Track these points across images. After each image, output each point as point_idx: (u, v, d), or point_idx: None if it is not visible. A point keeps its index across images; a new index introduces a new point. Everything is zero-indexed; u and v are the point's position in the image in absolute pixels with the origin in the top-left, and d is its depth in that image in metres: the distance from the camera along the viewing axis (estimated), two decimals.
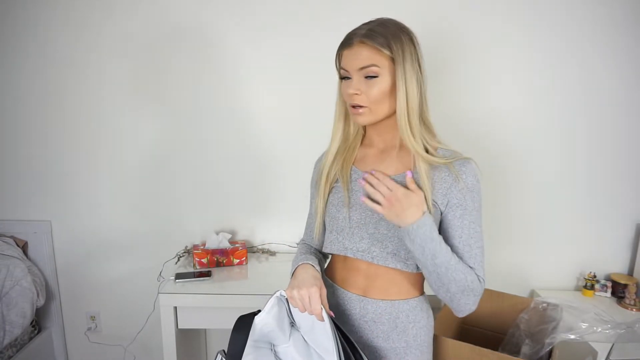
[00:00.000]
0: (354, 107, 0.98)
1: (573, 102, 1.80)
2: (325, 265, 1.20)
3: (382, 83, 0.95)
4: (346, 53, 0.96)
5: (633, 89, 1.77)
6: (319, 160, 1.17)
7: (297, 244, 1.97)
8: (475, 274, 0.96)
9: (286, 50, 1.84)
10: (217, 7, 1.82)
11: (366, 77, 0.95)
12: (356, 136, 1.09)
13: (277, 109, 1.90)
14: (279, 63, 1.85)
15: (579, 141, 1.83)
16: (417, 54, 0.97)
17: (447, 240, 0.98)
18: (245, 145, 1.95)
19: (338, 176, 1.07)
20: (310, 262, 1.05)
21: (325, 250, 1.09)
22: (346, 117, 1.07)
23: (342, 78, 1.00)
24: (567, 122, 1.82)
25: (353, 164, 1.08)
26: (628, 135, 1.81)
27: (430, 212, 0.95)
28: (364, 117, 0.98)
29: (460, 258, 0.97)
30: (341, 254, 1.05)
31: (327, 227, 1.10)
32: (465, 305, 0.96)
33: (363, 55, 0.94)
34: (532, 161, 1.86)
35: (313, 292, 0.94)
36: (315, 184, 1.13)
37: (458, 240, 0.97)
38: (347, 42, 0.96)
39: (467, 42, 1.78)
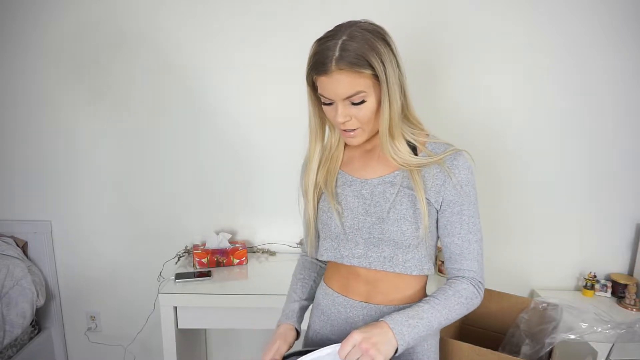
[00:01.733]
0: (345, 130, 0.94)
1: (573, 102, 1.80)
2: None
3: (370, 103, 0.90)
4: (324, 80, 0.88)
5: (633, 88, 1.77)
6: (304, 166, 1.12)
7: (297, 243, 1.98)
8: (471, 283, 0.96)
9: (284, 48, 1.84)
10: (213, 7, 1.82)
11: (353, 103, 0.90)
12: (338, 144, 1.05)
13: (277, 109, 1.90)
14: (277, 62, 1.85)
15: (579, 141, 1.83)
16: (394, 54, 0.90)
17: (445, 237, 0.98)
18: (246, 145, 1.94)
19: (322, 186, 1.03)
20: (291, 322, 1.06)
21: (322, 258, 1.05)
22: (323, 130, 1.04)
23: (322, 103, 0.95)
24: (567, 122, 1.82)
25: (340, 167, 1.04)
26: (628, 134, 1.81)
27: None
28: (358, 138, 0.96)
29: (459, 255, 0.97)
30: (338, 261, 1.02)
31: (320, 234, 1.06)
32: (472, 311, 0.98)
33: (345, 83, 0.86)
34: (532, 161, 1.86)
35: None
36: (304, 193, 1.09)
37: (457, 237, 0.96)
38: (322, 68, 0.87)
39: (465, 41, 1.78)
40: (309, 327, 1.14)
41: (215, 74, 1.89)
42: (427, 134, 1.00)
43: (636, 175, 1.84)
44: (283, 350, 0.99)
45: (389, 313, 0.97)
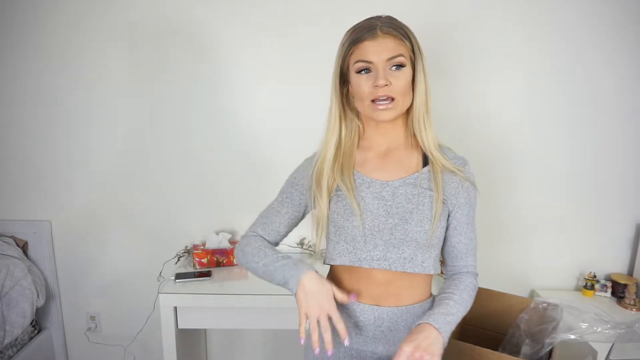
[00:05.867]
0: (379, 101, 0.93)
1: (573, 102, 1.80)
2: (326, 275, 1.13)
3: (407, 74, 0.94)
4: (369, 44, 0.92)
5: (633, 89, 1.77)
6: (309, 162, 1.08)
7: (297, 243, 1.98)
8: (472, 277, 1.04)
9: (285, 49, 1.84)
10: (212, 4, 1.82)
11: (392, 68, 0.93)
12: (352, 140, 1.04)
13: (277, 109, 1.90)
14: (277, 62, 1.85)
15: (580, 141, 1.83)
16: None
17: (454, 236, 1.02)
18: (245, 145, 1.94)
19: (340, 184, 1.00)
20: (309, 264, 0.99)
21: (334, 262, 1.01)
22: (342, 119, 1.02)
23: (357, 71, 0.94)
24: (567, 122, 1.82)
25: (354, 168, 1.02)
26: (628, 135, 1.81)
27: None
28: (391, 112, 0.94)
29: (465, 253, 1.03)
30: (355, 264, 0.98)
31: (332, 237, 1.02)
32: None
33: (390, 45, 0.92)
34: (532, 161, 1.86)
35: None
36: (310, 190, 1.05)
37: (464, 236, 1.03)
38: (368, 33, 0.93)
39: (465, 41, 1.78)
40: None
41: (216, 74, 1.88)
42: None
43: (636, 175, 1.84)
44: (339, 295, 0.95)
45: (400, 315, 1.00)
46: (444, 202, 0.98)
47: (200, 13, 1.83)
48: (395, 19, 0.96)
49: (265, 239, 1.08)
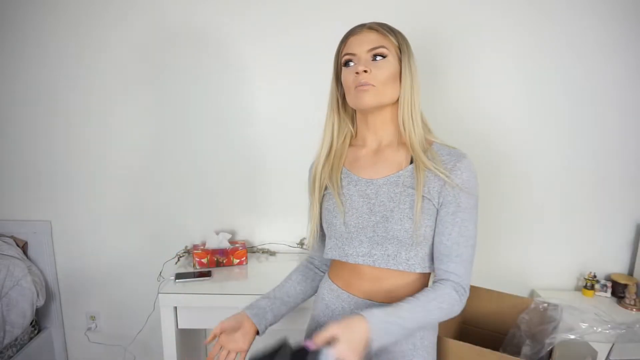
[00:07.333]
0: (360, 86, 0.96)
1: (573, 102, 1.80)
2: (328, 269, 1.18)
3: (390, 65, 0.97)
4: (354, 39, 0.99)
5: (633, 89, 1.77)
6: (312, 166, 1.15)
7: (297, 243, 1.97)
8: (454, 289, 0.96)
9: (285, 49, 1.83)
10: (213, 4, 1.82)
11: (374, 58, 0.97)
12: (344, 140, 1.08)
13: (277, 109, 1.90)
14: (278, 63, 1.85)
15: (580, 141, 1.83)
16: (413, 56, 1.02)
17: (436, 236, 0.98)
18: (246, 145, 1.94)
19: (327, 182, 1.05)
20: (247, 312, 1.10)
21: (327, 256, 1.08)
22: (337, 119, 1.07)
23: (345, 65, 1.01)
24: (567, 121, 1.82)
25: (344, 166, 1.07)
26: (629, 134, 1.81)
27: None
28: (370, 96, 0.96)
29: (447, 256, 0.97)
30: (342, 259, 1.04)
31: (326, 233, 1.10)
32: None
33: (372, 38, 0.98)
34: (532, 161, 1.86)
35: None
36: (310, 191, 1.13)
37: (447, 237, 0.97)
38: (355, 30, 1.00)
39: (464, 41, 1.78)
40: (311, 318, 1.16)
41: (216, 74, 1.88)
42: (435, 137, 1.04)
43: (636, 175, 1.84)
44: (225, 325, 1.05)
45: None
46: (428, 200, 0.96)
47: (201, 13, 1.83)
48: (384, 23, 1.01)
49: (314, 263, 1.23)
